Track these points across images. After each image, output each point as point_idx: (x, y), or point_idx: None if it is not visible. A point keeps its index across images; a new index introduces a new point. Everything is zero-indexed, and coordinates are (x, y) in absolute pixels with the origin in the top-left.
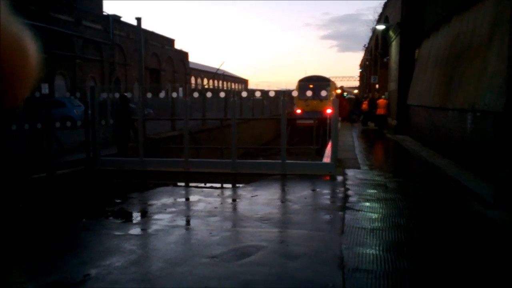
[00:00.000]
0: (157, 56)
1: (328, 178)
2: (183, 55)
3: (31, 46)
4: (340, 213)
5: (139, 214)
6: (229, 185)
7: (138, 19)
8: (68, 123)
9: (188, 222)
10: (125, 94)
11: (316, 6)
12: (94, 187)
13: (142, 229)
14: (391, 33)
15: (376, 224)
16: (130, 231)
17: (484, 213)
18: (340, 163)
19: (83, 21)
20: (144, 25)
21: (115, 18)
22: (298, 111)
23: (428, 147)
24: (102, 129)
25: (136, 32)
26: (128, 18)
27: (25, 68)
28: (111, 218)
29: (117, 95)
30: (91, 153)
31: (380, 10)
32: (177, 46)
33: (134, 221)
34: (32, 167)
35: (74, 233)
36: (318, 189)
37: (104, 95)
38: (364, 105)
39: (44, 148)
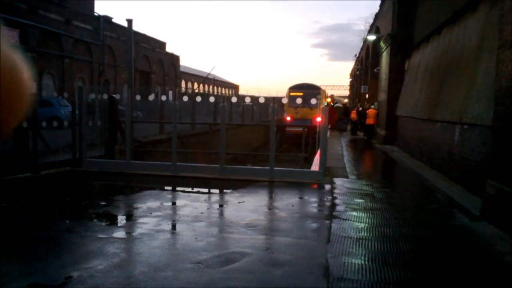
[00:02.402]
0: (148, 58)
1: (316, 186)
2: (174, 58)
3: (25, 75)
4: (327, 221)
5: (124, 217)
6: (216, 191)
7: (129, 21)
8: (55, 123)
9: (173, 227)
10: (114, 95)
11: (307, 15)
12: (79, 189)
13: (126, 233)
14: (382, 43)
15: (363, 233)
16: (114, 234)
17: (469, 226)
18: (328, 172)
19: (74, 21)
20: (135, 27)
21: (106, 19)
22: (288, 118)
23: (416, 158)
24: (89, 130)
25: (127, 34)
26: (120, 19)
27: (18, 97)
28: (95, 220)
29: (105, 96)
30: (77, 154)
31: (371, 20)
32: (168, 49)
33: (118, 224)
34: (17, 166)
35: (57, 234)
36: (305, 197)
37: (92, 96)
38: (353, 114)
39: (30, 148)
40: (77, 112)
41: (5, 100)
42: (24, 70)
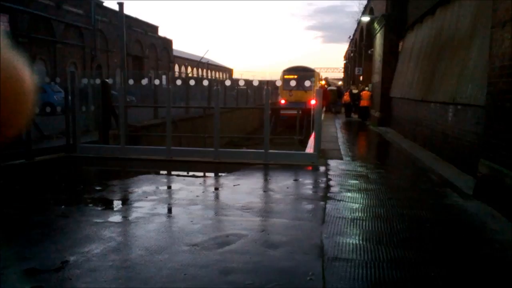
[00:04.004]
0: (140, 43)
1: (310, 168)
2: (167, 42)
3: (28, 80)
4: (322, 203)
5: (119, 201)
6: (212, 174)
7: (120, 4)
8: (48, 109)
9: (169, 210)
10: (107, 80)
11: None
12: (73, 174)
13: (122, 217)
14: (375, 25)
15: (357, 214)
16: (110, 218)
17: (462, 205)
18: (323, 154)
19: (64, 6)
20: (127, 11)
21: (97, 3)
22: (282, 101)
23: (410, 139)
24: (83, 116)
25: (118, 18)
26: (111, 3)
27: (20, 102)
28: (90, 205)
29: (98, 81)
30: (71, 139)
31: (365, 2)
32: (161, 33)
33: (114, 209)
34: (10, 153)
35: (52, 220)
36: (300, 179)
37: (85, 81)
38: (346, 97)
39: (23, 134)
40: (70, 97)
41: (8, 105)
42: (26, 75)
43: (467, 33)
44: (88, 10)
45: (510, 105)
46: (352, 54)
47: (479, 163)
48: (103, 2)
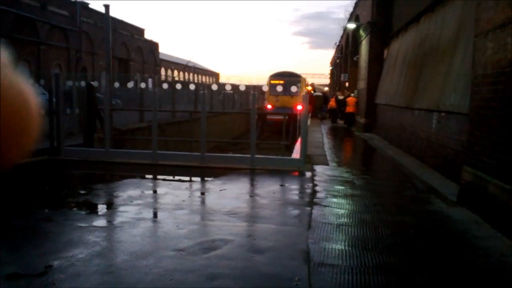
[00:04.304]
0: (126, 45)
1: (297, 173)
2: (153, 45)
3: (33, 104)
4: (308, 208)
5: (104, 205)
6: (198, 179)
7: (106, 6)
8: None
9: (155, 215)
10: (92, 83)
11: (287, 2)
12: (57, 178)
13: (107, 221)
14: (361, 32)
15: (343, 219)
16: (94, 222)
17: (446, 211)
18: (309, 159)
19: (49, 6)
20: (113, 13)
21: (83, 5)
22: (269, 106)
23: (395, 145)
24: (67, 119)
25: (104, 20)
26: (97, 5)
27: (24, 130)
28: (75, 209)
29: (83, 83)
30: (55, 142)
31: (351, 9)
32: (147, 36)
33: (99, 213)
34: None
35: (35, 224)
36: (286, 184)
37: (70, 83)
38: (331, 103)
39: None
40: (54, 100)
41: (10, 133)
42: (32, 100)
43: (451, 41)
44: (73, 12)
45: (492, 113)
46: (338, 61)
47: (463, 170)
48: (88, 4)
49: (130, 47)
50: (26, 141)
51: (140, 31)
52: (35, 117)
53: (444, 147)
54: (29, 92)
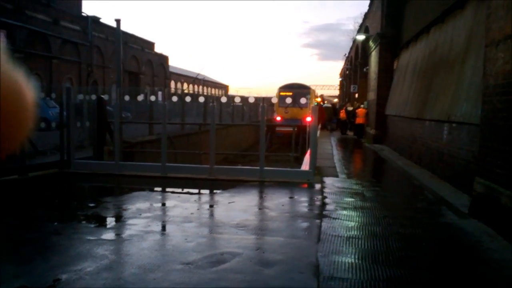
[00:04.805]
0: (137, 59)
1: (306, 185)
2: (163, 58)
3: (29, 95)
4: (317, 220)
5: (113, 218)
6: (206, 191)
7: (118, 21)
8: (43, 124)
9: (163, 228)
10: (102, 96)
11: (296, 15)
12: (67, 190)
13: (115, 234)
14: (371, 43)
15: (353, 232)
16: (103, 235)
17: (458, 223)
18: (318, 171)
19: (61, 21)
20: (124, 28)
21: (94, 19)
22: (278, 118)
23: (405, 157)
24: (78, 132)
25: (115, 34)
26: (108, 19)
27: (20, 118)
28: (83, 222)
29: (94, 97)
30: (65, 155)
31: (360, 20)
32: (157, 49)
33: (107, 226)
34: (3, 168)
35: (45, 237)
36: (295, 197)
37: (81, 96)
38: (342, 114)
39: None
40: (65, 113)
41: (8, 121)
42: (27, 90)
43: (461, 52)
44: (85, 26)
45: (504, 123)
46: (347, 72)
47: (475, 181)
48: (100, 19)
49: (140, 61)
50: (20, 132)
51: (150, 45)
52: (30, 108)
53: (455, 158)
54: (24, 84)
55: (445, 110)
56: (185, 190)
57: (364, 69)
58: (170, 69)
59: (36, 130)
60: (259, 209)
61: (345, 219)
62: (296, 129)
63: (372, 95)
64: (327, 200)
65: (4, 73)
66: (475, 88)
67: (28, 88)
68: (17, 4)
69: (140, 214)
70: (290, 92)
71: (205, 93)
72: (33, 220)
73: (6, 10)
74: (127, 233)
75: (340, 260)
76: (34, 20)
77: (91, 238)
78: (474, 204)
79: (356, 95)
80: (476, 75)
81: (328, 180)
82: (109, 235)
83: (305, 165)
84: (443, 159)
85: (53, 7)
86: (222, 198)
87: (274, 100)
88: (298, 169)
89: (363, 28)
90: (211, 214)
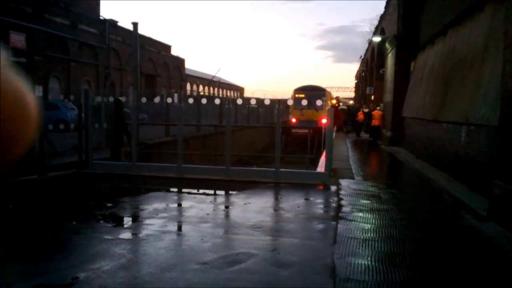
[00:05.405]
0: (153, 61)
1: (321, 187)
2: (179, 61)
3: (29, 100)
4: (333, 222)
5: (130, 218)
6: (222, 192)
7: (135, 24)
8: (61, 126)
9: (179, 228)
10: (120, 98)
11: (311, 17)
12: (85, 191)
13: (132, 234)
14: (387, 45)
15: (369, 234)
16: (121, 235)
17: (476, 226)
18: (334, 173)
19: (79, 25)
20: (140, 31)
21: (112, 23)
22: (293, 120)
23: (422, 159)
24: (96, 133)
25: (132, 37)
26: (125, 23)
27: (23, 124)
28: (101, 222)
29: (111, 99)
30: (83, 156)
31: (376, 22)
32: (174, 52)
33: (125, 226)
34: (23, 169)
35: (63, 236)
36: (311, 198)
37: (98, 98)
38: (360, 116)
39: (36, 150)
40: (83, 115)
41: (11, 127)
42: (27, 94)
43: (479, 54)
44: (102, 30)
45: None
46: (363, 74)
47: (493, 184)
48: (117, 22)
49: (156, 63)
50: (22, 140)
51: (167, 48)
52: (31, 111)
53: (473, 161)
54: (26, 93)
55: (463, 112)
56: (201, 191)
57: (381, 71)
58: (186, 71)
59: (55, 131)
60: (275, 210)
61: (361, 221)
62: (311, 130)
63: (388, 97)
64: (343, 202)
65: (5, 80)
66: (494, 90)
67: (29, 94)
68: (36, 8)
69: (157, 214)
70: (305, 94)
71: (220, 95)
72: (52, 219)
73: (26, 14)
74: (144, 232)
75: (356, 262)
76: (53, 24)
77: (109, 237)
78: (492, 207)
79: (372, 97)
80: (495, 77)
81: (344, 182)
82: (126, 235)
83: (321, 167)
84: (460, 162)
85: (71, 11)
86: (238, 199)
87: (290, 102)
88: (313, 171)
89: (379, 30)
90: (227, 215)
